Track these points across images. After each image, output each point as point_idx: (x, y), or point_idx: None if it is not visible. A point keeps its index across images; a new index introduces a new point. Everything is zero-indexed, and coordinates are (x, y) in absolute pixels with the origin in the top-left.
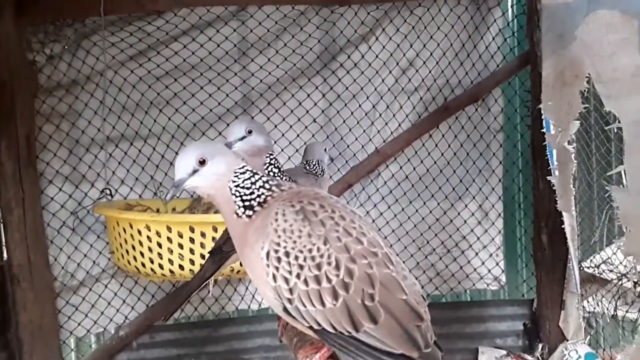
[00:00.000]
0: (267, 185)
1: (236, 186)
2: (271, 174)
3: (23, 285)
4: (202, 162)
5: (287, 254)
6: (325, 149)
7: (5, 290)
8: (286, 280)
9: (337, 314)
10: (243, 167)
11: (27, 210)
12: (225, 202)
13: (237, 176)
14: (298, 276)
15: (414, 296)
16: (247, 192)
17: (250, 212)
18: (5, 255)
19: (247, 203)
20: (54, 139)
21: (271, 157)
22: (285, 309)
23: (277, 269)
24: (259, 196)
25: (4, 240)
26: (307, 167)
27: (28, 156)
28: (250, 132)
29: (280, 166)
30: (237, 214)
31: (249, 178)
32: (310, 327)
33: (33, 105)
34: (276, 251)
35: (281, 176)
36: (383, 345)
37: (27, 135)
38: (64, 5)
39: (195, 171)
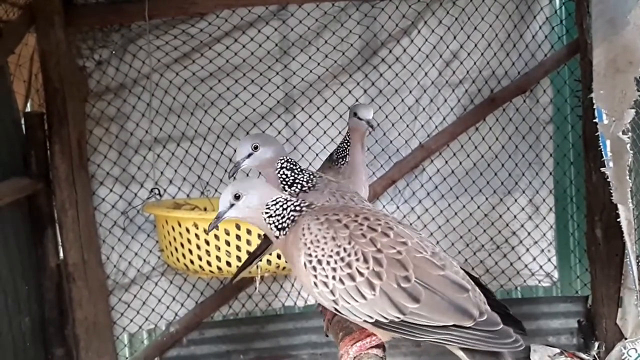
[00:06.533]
0: (297, 208)
1: (269, 216)
2: (284, 176)
3: (78, 284)
4: (237, 197)
5: (319, 262)
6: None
7: (62, 288)
8: (325, 285)
9: (379, 303)
10: (275, 199)
11: (80, 211)
12: (263, 227)
13: (269, 208)
14: (334, 278)
15: (453, 271)
16: (280, 218)
17: (285, 231)
18: (61, 254)
19: (279, 226)
20: (104, 141)
21: (281, 161)
22: (337, 310)
23: (315, 276)
24: (289, 218)
25: (59, 240)
26: (335, 155)
27: (80, 159)
28: (256, 147)
29: (293, 167)
30: (275, 236)
31: (281, 206)
32: (366, 322)
33: (84, 110)
34: (310, 262)
35: (297, 174)
36: (433, 321)
37: (79, 139)
38: (111, 11)
39: (232, 205)
